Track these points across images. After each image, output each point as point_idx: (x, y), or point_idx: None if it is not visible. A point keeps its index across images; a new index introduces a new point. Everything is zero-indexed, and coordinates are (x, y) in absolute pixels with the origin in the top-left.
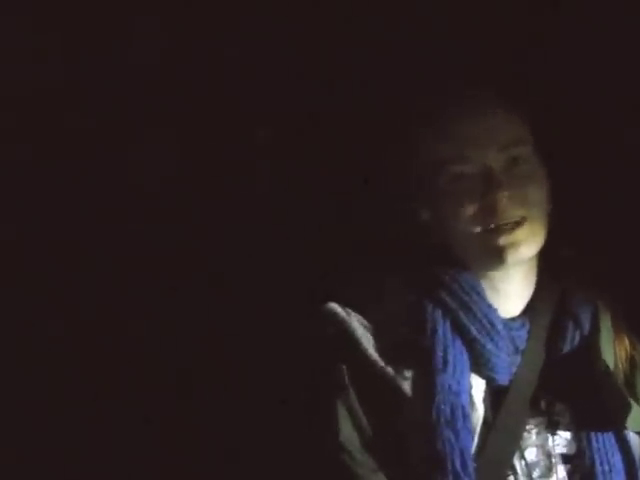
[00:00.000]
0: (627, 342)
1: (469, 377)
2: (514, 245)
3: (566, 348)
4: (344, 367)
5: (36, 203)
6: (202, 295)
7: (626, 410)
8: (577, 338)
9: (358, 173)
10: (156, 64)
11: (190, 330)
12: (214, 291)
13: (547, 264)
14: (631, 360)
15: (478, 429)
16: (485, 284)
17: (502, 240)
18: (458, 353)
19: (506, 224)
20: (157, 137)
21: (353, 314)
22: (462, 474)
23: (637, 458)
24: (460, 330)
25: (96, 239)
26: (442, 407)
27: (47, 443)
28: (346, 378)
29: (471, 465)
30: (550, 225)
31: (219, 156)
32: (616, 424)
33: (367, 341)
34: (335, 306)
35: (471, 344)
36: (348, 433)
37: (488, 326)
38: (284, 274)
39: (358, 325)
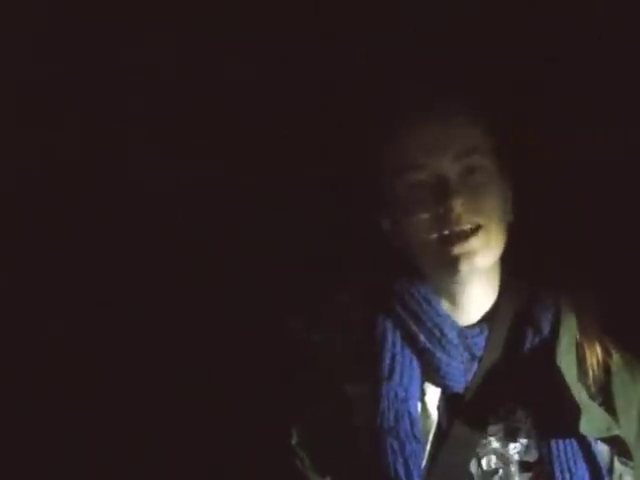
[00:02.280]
0: (599, 348)
1: (420, 385)
2: (468, 255)
3: (524, 355)
4: (299, 377)
5: (36, 204)
6: (180, 296)
7: (577, 415)
8: (536, 344)
9: (321, 181)
10: (156, 64)
11: (173, 330)
12: (177, 299)
13: (512, 271)
14: (604, 366)
15: (431, 436)
16: (442, 294)
17: (456, 249)
18: (407, 361)
19: (460, 231)
20: (155, 138)
21: (313, 325)
22: None
23: (604, 466)
24: (410, 339)
25: (95, 240)
26: (386, 414)
27: (46, 443)
28: (301, 387)
29: (417, 473)
30: (512, 234)
31: (211, 160)
32: (573, 430)
33: (323, 350)
34: (295, 318)
35: (421, 353)
36: (301, 439)
37: (438, 334)
38: (246, 283)
39: (316, 335)
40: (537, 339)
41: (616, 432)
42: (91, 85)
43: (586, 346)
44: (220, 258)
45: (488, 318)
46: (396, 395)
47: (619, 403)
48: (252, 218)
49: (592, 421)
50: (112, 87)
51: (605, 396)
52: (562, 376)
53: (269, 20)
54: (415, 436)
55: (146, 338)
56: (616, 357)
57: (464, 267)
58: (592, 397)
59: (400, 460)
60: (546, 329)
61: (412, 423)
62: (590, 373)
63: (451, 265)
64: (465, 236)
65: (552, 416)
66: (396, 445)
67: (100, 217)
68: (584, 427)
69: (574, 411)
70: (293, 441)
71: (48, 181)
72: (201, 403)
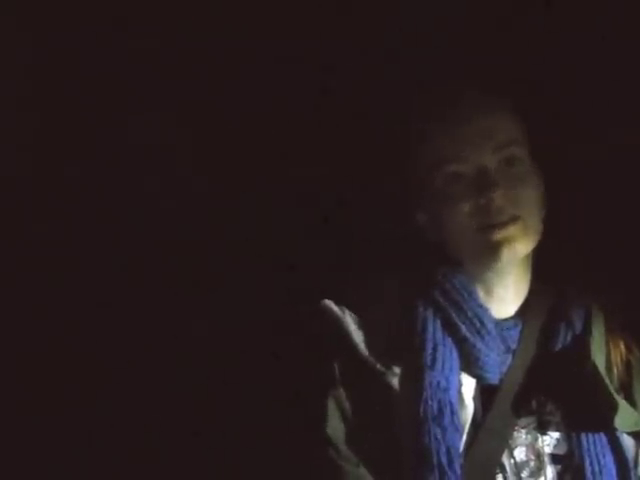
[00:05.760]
0: (623, 346)
1: (459, 375)
2: (508, 240)
3: (557, 349)
4: (335, 363)
5: (36, 203)
6: (201, 293)
7: (613, 410)
8: (569, 339)
9: (358, 175)
10: (145, 63)
11: (187, 326)
12: (213, 289)
13: (542, 268)
14: (627, 364)
15: (467, 427)
16: (479, 286)
17: (496, 236)
18: (448, 351)
19: (500, 222)
20: (154, 139)
21: (347, 312)
22: (448, 470)
23: (630, 459)
24: (450, 329)
25: (95, 239)
26: (429, 403)
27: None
28: (337, 374)
29: (458, 462)
30: (544, 229)
31: (218, 157)
32: (604, 424)
33: (359, 338)
34: (330, 303)
35: (461, 343)
36: (335, 428)
37: (478, 325)
38: (284, 273)
39: (351, 322)
40: (570, 335)
41: None
42: (82, 84)
43: (611, 344)
44: (263, 245)
45: (521, 313)
46: (438, 384)
47: None
48: (293, 213)
49: (624, 416)
50: (101, 86)
51: (627, 392)
52: (598, 372)
53: (289, 17)
54: (455, 425)
55: (163, 333)
56: (638, 356)
57: (505, 253)
58: (617, 392)
59: (443, 448)
60: (579, 326)
61: (453, 412)
62: (614, 370)
63: (492, 252)
64: (505, 224)
65: (583, 410)
66: (439, 433)
67: (87, 217)
68: (618, 422)
69: (609, 406)
70: (327, 430)
71: (43, 182)
72: (232, 393)
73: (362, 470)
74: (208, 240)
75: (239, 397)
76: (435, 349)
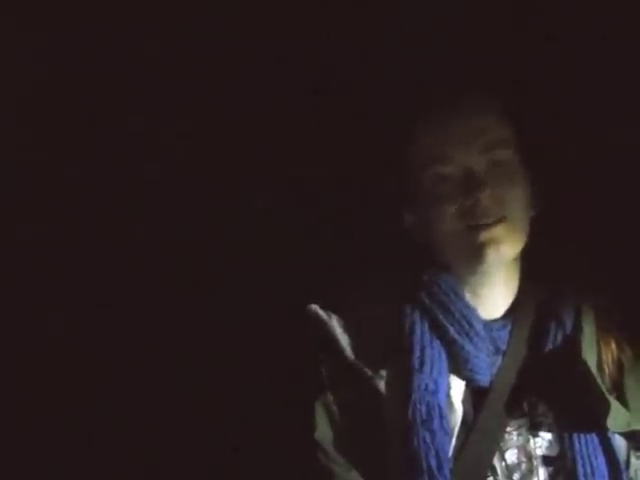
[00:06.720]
0: (614, 345)
1: (447, 377)
2: (494, 242)
3: (548, 349)
4: (322, 368)
5: (36, 203)
6: (201, 293)
7: (605, 410)
8: (559, 339)
9: (357, 175)
10: (145, 63)
11: (187, 326)
12: (213, 289)
13: (531, 267)
14: (619, 363)
15: (457, 430)
16: (466, 288)
17: (482, 236)
18: (436, 353)
19: (486, 222)
20: (154, 139)
21: (334, 316)
22: (437, 474)
23: (622, 461)
24: (438, 331)
25: (95, 239)
26: (418, 406)
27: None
28: (325, 379)
29: (447, 465)
30: (538, 228)
31: (218, 157)
32: (596, 425)
33: (346, 342)
34: (316, 308)
35: (450, 345)
36: (324, 432)
37: (467, 327)
38: (269, 277)
39: (337, 326)
40: (560, 334)
41: (636, 427)
42: (82, 84)
43: (602, 343)
44: (249, 249)
45: (510, 313)
46: (427, 387)
47: (632, 400)
48: (293, 213)
49: (616, 416)
50: (101, 86)
51: (619, 392)
52: (589, 371)
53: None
54: (444, 429)
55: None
56: (630, 355)
57: (490, 255)
58: (609, 392)
59: (432, 452)
60: (569, 324)
61: (442, 416)
62: (605, 369)
63: (478, 253)
64: (491, 225)
65: (574, 410)
66: (428, 437)
67: (87, 217)
68: (610, 422)
69: (601, 406)
70: (316, 434)
71: (43, 182)
72: (232, 394)
73: (353, 474)
74: (208, 240)
75: (238, 397)
76: (423, 351)
